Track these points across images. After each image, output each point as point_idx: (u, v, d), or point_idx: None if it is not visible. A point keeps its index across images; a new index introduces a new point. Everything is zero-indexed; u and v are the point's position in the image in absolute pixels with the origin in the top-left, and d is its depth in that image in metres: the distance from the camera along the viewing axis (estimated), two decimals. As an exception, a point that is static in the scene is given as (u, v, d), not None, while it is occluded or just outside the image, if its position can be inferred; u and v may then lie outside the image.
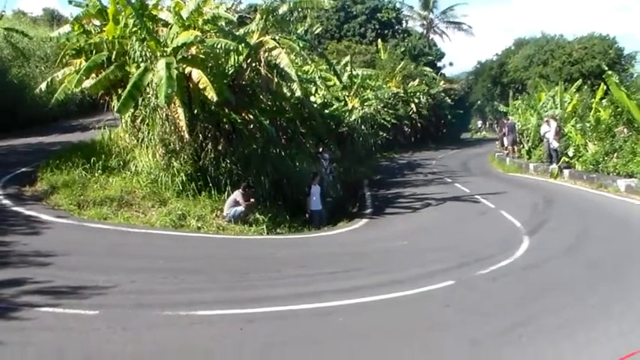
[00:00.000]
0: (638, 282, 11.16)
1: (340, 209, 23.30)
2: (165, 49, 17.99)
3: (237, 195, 17.07)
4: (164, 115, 17.86)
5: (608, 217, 18.54)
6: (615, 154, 24.60)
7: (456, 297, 10.45)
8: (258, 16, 20.58)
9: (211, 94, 17.17)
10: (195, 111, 18.42)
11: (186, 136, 17.78)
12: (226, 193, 17.63)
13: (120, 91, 18.56)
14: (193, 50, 18.37)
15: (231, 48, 18.73)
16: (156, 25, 19.26)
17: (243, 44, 18.92)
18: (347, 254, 15.17)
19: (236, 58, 19.61)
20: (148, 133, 18.29)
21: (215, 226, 16.55)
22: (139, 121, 18.95)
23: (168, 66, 16.83)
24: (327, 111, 30.16)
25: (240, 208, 16.83)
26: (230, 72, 19.83)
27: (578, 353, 7.66)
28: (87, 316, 8.22)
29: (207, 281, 10.89)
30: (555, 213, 19.73)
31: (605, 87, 30.74)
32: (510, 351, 7.73)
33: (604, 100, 29.34)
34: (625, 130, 24.59)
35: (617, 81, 24.99)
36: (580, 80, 38.24)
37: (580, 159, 27.66)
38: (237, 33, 19.56)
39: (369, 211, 23.14)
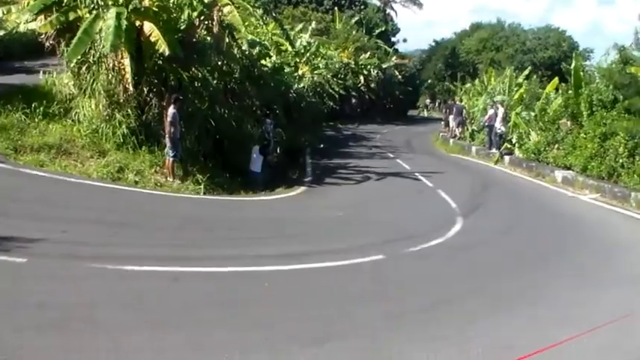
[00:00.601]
0: (561, 271, 11.44)
1: (280, 175, 23.32)
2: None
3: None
4: (110, 65, 17.63)
5: (542, 205, 19.06)
6: (556, 146, 25.13)
7: (383, 271, 10.62)
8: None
9: (163, 48, 16.96)
10: (145, 65, 18.24)
11: (131, 88, 17.52)
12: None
13: (68, 36, 18.24)
14: (146, 2, 18.12)
15: (184, 2, 18.54)
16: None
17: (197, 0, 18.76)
18: (281, 221, 15.32)
19: (189, 13, 19.39)
20: (93, 82, 17.97)
21: (153, 182, 16.39)
22: (84, 68, 18.60)
23: (118, 15, 16.57)
24: (277, 76, 30.05)
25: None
26: (182, 28, 19.59)
27: (497, 334, 7.84)
28: (14, 264, 8.12)
29: (139, 237, 10.89)
30: (491, 197, 20.17)
31: (558, 79, 31.32)
32: (430, 327, 7.86)
33: (552, 93, 29.85)
34: (568, 123, 25.09)
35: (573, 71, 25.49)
36: (529, 68, 38.69)
37: (522, 147, 28.17)
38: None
39: (308, 179, 23.28)
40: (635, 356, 7.44)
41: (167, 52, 17.12)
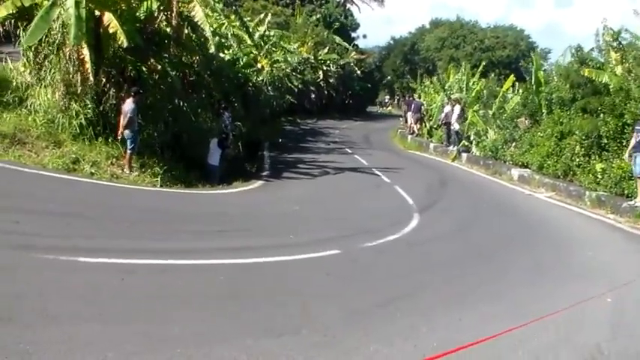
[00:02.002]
0: (514, 267, 11.63)
1: (238, 169, 23.27)
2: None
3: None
4: (68, 54, 17.41)
5: (498, 203, 19.35)
6: (514, 144, 25.47)
7: (339, 266, 10.62)
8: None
9: (122, 39, 16.83)
10: (104, 55, 18.02)
11: (91, 78, 17.34)
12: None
13: (25, 23, 17.97)
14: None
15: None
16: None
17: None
18: (237, 214, 15.30)
19: (148, 4, 19.20)
20: (50, 70, 17.77)
21: (109, 173, 16.24)
22: (41, 57, 18.37)
23: (77, 4, 16.39)
24: (235, 69, 29.93)
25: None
26: (141, 18, 19.38)
27: (452, 329, 7.88)
28: (-37, 254, 7.97)
29: (94, 228, 10.73)
30: (448, 194, 20.41)
31: (514, 77, 31.74)
32: (385, 323, 7.85)
33: (510, 91, 30.22)
34: (526, 121, 25.42)
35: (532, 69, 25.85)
36: (482, 65, 39.16)
37: (479, 144, 28.49)
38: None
39: (266, 173, 23.24)
40: (585, 349, 7.56)
41: (126, 44, 16.97)
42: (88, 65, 17.03)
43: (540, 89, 24.77)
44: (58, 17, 16.95)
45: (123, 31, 16.77)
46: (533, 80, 25.64)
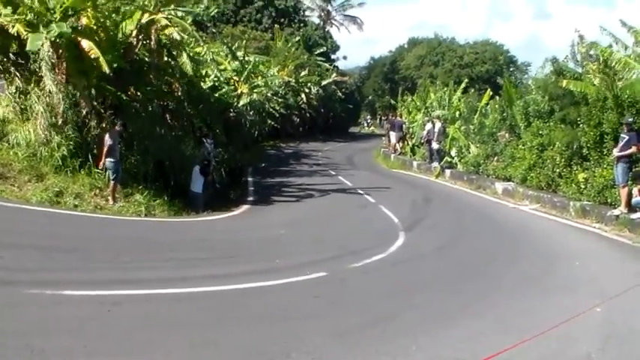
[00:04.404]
0: (501, 281, 11.61)
1: (222, 195, 23.27)
2: (55, 15, 17.48)
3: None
4: (48, 86, 17.36)
5: (483, 217, 19.34)
6: (496, 158, 25.61)
7: (326, 288, 10.59)
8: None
9: (104, 67, 16.86)
10: (85, 84, 18.01)
11: (70, 110, 17.36)
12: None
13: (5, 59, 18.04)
14: (84, 20, 17.94)
15: (123, 19, 18.45)
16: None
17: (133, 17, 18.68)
18: (223, 241, 15.30)
19: (123, 28, 19.17)
20: (32, 105, 17.73)
21: (93, 204, 16.23)
22: (21, 91, 18.35)
23: (60, 34, 16.49)
24: (216, 94, 29.98)
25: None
26: (120, 48, 19.39)
27: (440, 347, 7.85)
28: (-54, 291, 7.89)
29: (78, 261, 10.68)
30: (433, 211, 20.42)
31: (490, 92, 31.99)
32: (374, 343, 7.81)
33: (489, 106, 30.39)
34: (507, 135, 25.55)
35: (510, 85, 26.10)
36: (465, 82, 39.39)
37: (462, 160, 28.61)
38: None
39: (250, 198, 23.28)
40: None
41: (107, 71, 16.96)
42: (68, 96, 17.03)
43: (517, 103, 24.89)
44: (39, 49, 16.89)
45: (104, 60, 16.80)
46: (505, 95, 25.95)
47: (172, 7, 20.89)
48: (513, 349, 7.54)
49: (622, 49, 21.19)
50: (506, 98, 26.06)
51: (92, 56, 17.01)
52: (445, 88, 37.92)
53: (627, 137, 17.04)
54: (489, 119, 28.32)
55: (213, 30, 35.07)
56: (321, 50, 65.63)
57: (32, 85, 17.80)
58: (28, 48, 16.68)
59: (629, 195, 16.68)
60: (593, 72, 21.46)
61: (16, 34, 17.21)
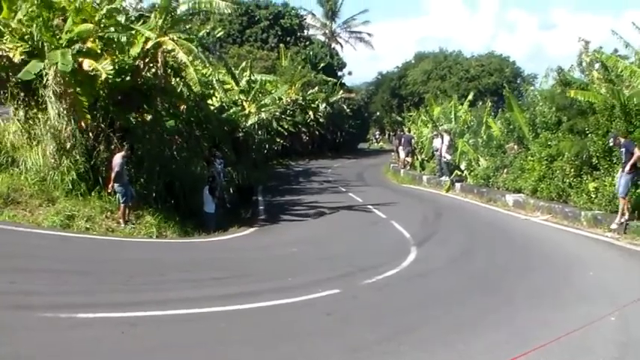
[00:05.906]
0: (515, 294, 11.55)
1: (233, 215, 23.29)
2: (60, 41, 17.60)
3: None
4: (57, 111, 17.46)
5: (494, 230, 19.24)
6: (505, 170, 25.55)
7: (340, 305, 10.54)
8: (156, 14, 20.26)
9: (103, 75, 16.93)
10: (95, 106, 18.10)
11: (78, 133, 17.45)
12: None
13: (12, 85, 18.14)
14: (89, 44, 18.03)
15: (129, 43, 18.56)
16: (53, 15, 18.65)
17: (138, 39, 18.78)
18: (235, 260, 15.29)
19: (132, 54, 19.29)
20: (40, 130, 17.83)
21: (104, 227, 16.30)
22: (30, 115, 18.46)
23: (63, 55, 16.52)
24: (224, 115, 30.07)
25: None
26: (126, 71, 19.46)
27: (456, 360, 7.89)
28: (-39, 317, 7.90)
29: (92, 283, 10.69)
30: (444, 225, 20.33)
31: (491, 104, 32.10)
32: (389, 358, 7.79)
33: (494, 119, 30.41)
34: (515, 146, 25.55)
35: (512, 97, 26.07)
36: (471, 95, 39.42)
37: (472, 173, 28.57)
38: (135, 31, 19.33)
39: (261, 217, 23.28)
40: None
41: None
42: (75, 120, 17.11)
43: (523, 115, 24.91)
44: (45, 73, 16.98)
45: (110, 82, 16.91)
46: (507, 109, 26.09)
47: (178, 29, 21.01)
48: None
49: (632, 55, 21.19)
50: (508, 110, 26.11)
51: (98, 80, 17.08)
52: (450, 102, 37.93)
53: (623, 148, 17.09)
54: (495, 130, 28.34)
55: (218, 52, 35.14)
56: (325, 64, 65.74)
57: (37, 110, 17.89)
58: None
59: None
60: (598, 81, 21.45)
61: (20, 61, 17.37)
